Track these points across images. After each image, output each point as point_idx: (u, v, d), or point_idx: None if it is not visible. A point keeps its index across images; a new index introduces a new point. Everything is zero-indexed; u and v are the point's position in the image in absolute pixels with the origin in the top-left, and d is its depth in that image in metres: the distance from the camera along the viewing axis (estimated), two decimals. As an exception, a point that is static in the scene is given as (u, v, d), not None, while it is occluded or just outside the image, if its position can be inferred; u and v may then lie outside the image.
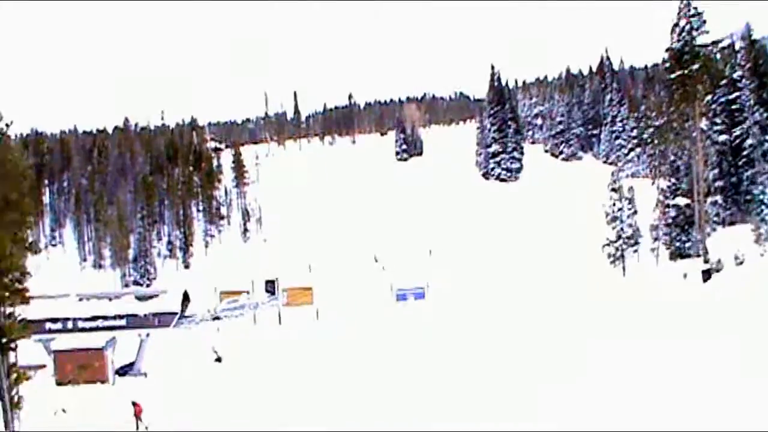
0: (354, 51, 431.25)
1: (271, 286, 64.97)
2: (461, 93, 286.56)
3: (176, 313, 52.04)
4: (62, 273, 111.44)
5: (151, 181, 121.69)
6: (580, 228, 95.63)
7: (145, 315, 51.72)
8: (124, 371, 51.52)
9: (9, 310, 29.38)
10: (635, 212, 71.36)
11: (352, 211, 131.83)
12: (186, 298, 55.22)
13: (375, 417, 30.81)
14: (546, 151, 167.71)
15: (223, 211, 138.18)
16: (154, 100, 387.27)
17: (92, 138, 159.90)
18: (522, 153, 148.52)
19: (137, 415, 36.80)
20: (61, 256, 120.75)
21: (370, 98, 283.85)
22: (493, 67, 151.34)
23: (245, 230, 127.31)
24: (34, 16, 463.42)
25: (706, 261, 51.70)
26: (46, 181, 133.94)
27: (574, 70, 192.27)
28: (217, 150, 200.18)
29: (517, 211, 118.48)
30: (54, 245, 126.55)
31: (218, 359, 53.86)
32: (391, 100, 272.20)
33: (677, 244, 67.48)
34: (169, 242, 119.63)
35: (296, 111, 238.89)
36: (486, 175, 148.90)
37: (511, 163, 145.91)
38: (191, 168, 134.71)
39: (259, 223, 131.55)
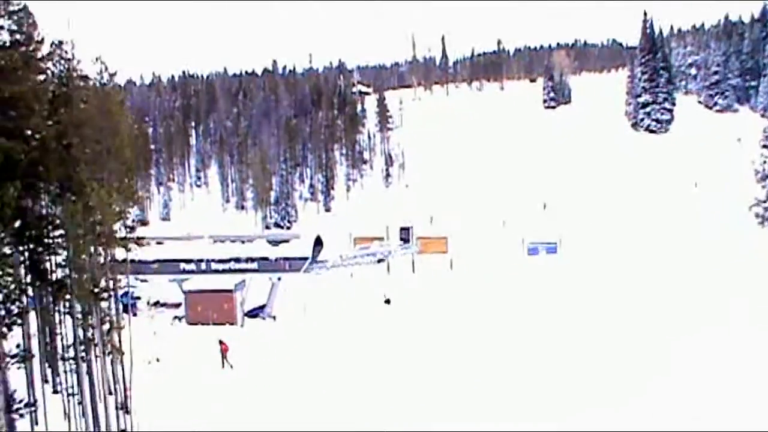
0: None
1: (405, 234, 63.55)
2: (614, 40, 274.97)
3: (307, 258, 51.26)
4: (206, 213, 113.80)
5: (294, 124, 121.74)
6: (729, 185, 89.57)
7: (276, 259, 51.55)
8: (254, 313, 51.72)
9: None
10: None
11: (495, 159, 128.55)
12: (319, 242, 54.50)
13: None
14: (699, 103, 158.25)
15: (366, 155, 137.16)
16: (303, 43, 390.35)
17: (239, 81, 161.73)
18: (673, 104, 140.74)
19: (224, 353, 38.10)
20: (205, 196, 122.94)
21: (520, 44, 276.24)
22: (645, 14, 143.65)
23: (387, 175, 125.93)
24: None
25: None
26: (193, 123, 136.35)
27: (734, 17, 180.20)
28: (363, 94, 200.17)
29: (663, 164, 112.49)
30: (199, 186, 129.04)
31: (387, 301, 54.04)
32: (541, 47, 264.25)
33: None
34: (311, 186, 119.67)
35: (444, 56, 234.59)
36: (635, 126, 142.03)
37: (662, 114, 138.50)
38: (335, 112, 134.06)
39: (402, 169, 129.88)
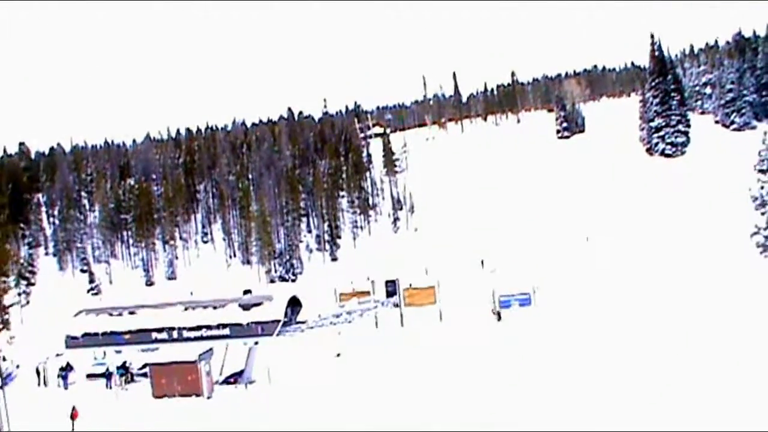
0: (514, 27, 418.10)
1: (391, 286, 61.25)
2: (632, 63, 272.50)
3: (279, 321, 49.16)
4: (211, 269, 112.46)
5: (296, 174, 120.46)
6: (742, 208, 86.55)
7: (248, 324, 49.61)
8: (233, 379, 49.74)
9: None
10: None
11: (506, 195, 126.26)
12: (296, 303, 52.55)
13: None
14: (716, 122, 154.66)
15: (375, 200, 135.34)
16: (315, 90, 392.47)
17: (244, 132, 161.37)
18: (688, 125, 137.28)
19: (73, 418, 38.95)
20: (212, 252, 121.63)
21: (536, 73, 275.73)
22: (652, 36, 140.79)
23: (395, 220, 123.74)
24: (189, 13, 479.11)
25: None
26: (198, 179, 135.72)
27: (747, 32, 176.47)
28: (381, 135, 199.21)
29: (677, 189, 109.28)
30: (206, 242, 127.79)
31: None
32: (558, 75, 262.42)
33: None
34: (318, 236, 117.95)
35: (456, 92, 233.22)
36: (650, 151, 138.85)
37: (676, 137, 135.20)
38: (341, 158, 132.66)
39: (410, 213, 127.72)
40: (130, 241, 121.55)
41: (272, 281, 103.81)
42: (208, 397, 45.58)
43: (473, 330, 54.82)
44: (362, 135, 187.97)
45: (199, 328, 50.42)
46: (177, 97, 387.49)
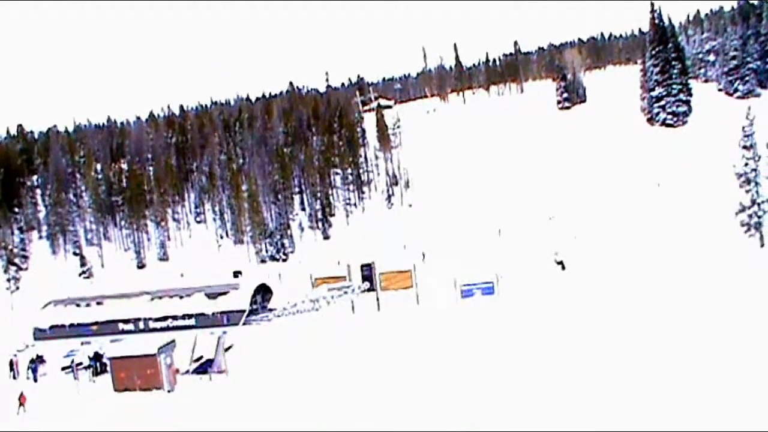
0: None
1: (367, 270, 60.09)
2: (639, 30, 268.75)
3: (244, 311, 48.11)
4: (203, 250, 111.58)
5: (288, 151, 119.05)
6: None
7: (213, 313, 48.62)
8: (203, 369, 48.82)
9: None
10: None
11: (504, 168, 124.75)
12: (266, 290, 51.48)
13: None
14: (720, 90, 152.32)
15: (370, 176, 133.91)
16: (317, 64, 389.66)
17: (239, 109, 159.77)
18: (690, 94, 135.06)
19: (22, 403, 42.34)
20: (204, 232, 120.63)
21: (541, 43, 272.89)
22: (652, 4, 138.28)
23: (389, 196, 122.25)
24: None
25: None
26: (190, 158, 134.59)
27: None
28: (384, 107, 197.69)
29: (676, 161, 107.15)
30: (199, 222, 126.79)
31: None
32: (561, 44, 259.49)
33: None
34: (311, 214, 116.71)
35: (457, 63, 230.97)
36: (651, 121, 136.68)
37: (677, 106, 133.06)
38: (335, 135, 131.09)
39: (405, 188, 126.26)
40: (122, 223, 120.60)
41: (263, 261, 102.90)
42: (169, 391, 44.52)
43: (449, 314, 53.68)
44: (365, 108, 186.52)
45: (164, 318, 49.58)
46: (179, 75, 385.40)
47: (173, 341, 47.21)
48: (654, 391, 30.57)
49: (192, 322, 49.06)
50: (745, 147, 58.51)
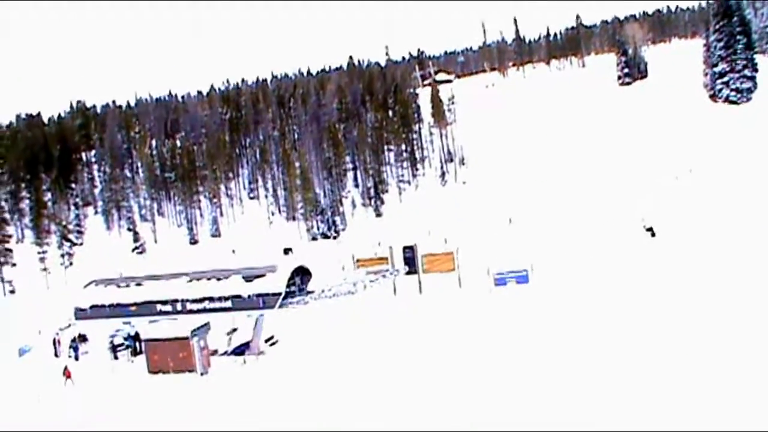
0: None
1: (409, 252, 58.92)
2: (707, 1, 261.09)
3: (280, 294, 47.43)
4: (255, 226, 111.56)
5: (341, 127, 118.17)
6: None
7: (249, 296, 48.15)
8: (240, 350, 48.49)
9: None
10: None
11: (560, 146, 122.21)
12: (304, 272, 50.77)
13: None
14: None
15: (424, 153, 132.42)
16: (376, 38, 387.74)
17: (293, 84, 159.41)
18: (755, 70, 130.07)
19: (68, 376, 44.16)
20: (257, 209, 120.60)
21: (605, 16, 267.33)
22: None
23: (443, 174, 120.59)
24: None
25: None
26: (243, 134, 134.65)
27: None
28: (444, 82, 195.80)
29: (738, 139, 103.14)
30: (252, 198, 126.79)
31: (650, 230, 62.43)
32: (626, 18, 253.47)
33: None
34: (364, 191, 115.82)
35: (517, 37, 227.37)
36: (713, 97, 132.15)
37: (741, 82, 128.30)
38: (388, 110, 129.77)
39: (460, 165, 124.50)
40: (176, 199, 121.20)
41: (314, 238, 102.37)
42: (202, 374, 44.11)
43: (490, 299, 52.32)
44: (425, 82, 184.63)
45: (201, 300, 49.42)
46: (243, 48, 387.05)
47: (207, 324, 46.88)
48: (680, 391, 29.08)
49: (228, 304, 48.87)
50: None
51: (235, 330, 49.44)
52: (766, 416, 25.75)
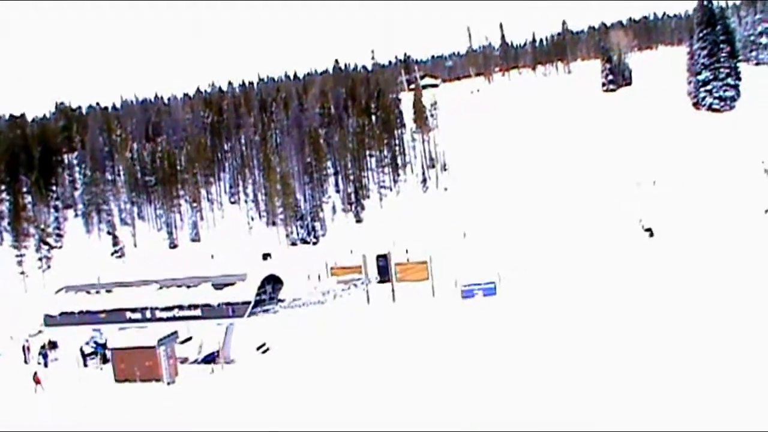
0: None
1: (383, 261, 58.89)
2: (694, 9, 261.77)
3: (249, 302, 47.30)
4: (235, 231, 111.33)
5: (323, 133, 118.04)
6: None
7: (219, 305, 47.89)
8: (211, 358, 48.27)
9: None
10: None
11: (543, 153, 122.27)
12: (275, 280, 50.62)
13: None
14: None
15: (406, 158, 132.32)
16: (362, 42, 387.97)
17: (276, 88, 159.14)
18: (738, 78, 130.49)
19: (38, 382, 43.75)
20: (237, 213, 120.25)
21: (592, 22, 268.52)
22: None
23: (424, 180, 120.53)
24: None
25: None
26: (225, 138, 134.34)
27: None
28: (430, 86, 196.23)
29: (719, 147, 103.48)
30: (233, 202, 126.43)
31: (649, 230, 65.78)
32: (611, 24, 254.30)
33: None
34: (344, 196, 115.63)
35: (503, 42, 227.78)
36: (696, 105, 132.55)
37: (724, 90, 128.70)
38: (371, 116, 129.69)
39: (442, 171, 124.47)
40: (156, 203, 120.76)
41: (293, 244, 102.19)
42: (169, 383, 43.87)
43: (462, 309, 52.32)
44: (411, 87, 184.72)
45: (171, 308, 49.22)
46: (231, 51, 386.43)
47: (175, 333, 46.79)
48: (653, 396, 29.15)
49: (198, 312, 48.62)
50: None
51: (189, 339, 49.53)
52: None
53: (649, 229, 69.61)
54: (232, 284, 49.32)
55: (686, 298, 44.55)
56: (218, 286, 49.24)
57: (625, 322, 41.64)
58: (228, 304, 47.82)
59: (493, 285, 55.47)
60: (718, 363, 32.23)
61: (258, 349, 48.78)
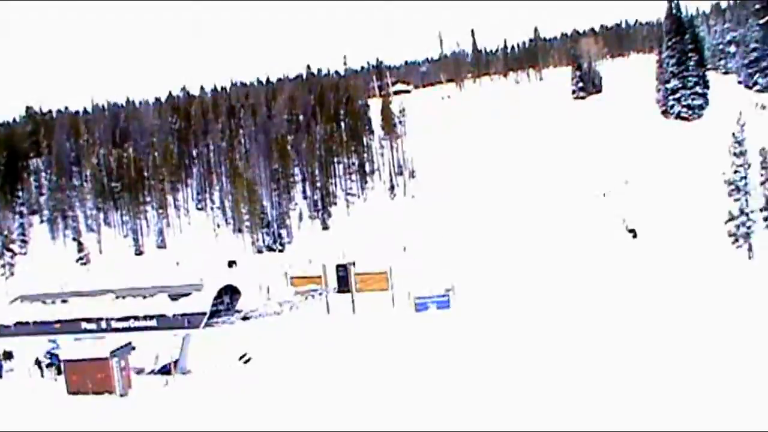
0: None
1: (342, 271, 58.87)
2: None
3: (205, 313, 47.13)
4: (202, 238, 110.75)
5: (284, 142, 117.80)
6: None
7: (174, 315, 47.71)
8: (167, 369, 47.86)
9: None
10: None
11: (512, 160, 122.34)
12: (233, 291, 50.59)
13: None
14: (739, 83, 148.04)
15: (375, 165, 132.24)
16: (333, 47, 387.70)
17: (245, 93, 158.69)
18: (706, 87, 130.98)
19: None
20: (204, 220, 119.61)
21: (564, 29, 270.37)
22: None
23: (392, 187, 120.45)
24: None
25: None
26: (193, 144, 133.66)
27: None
28: (402, 92, 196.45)
29: (687, 156, 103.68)
30: (200, 209, 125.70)
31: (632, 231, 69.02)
32: (583, 31, 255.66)
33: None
34: (313, 203, 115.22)
35: (474, 49, 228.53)
36: (666, 113, 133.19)
37: (693, 99, 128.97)
38: (340, 122, 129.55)
39: (410, 178, 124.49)
40: (122, 209, 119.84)
41: (259, 251, 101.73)
42: (122, 395, 43.48)
43: (417, 321, 52.21)
44: (383, 93, 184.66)
45: (126, 318, 49.02)
46: (204, 55, 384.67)
47: (129, 344, 46.26)
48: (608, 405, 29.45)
49: (153, 323, 48.47)
50: (735, 154, 56.16)
51: (129, 346, 48.31)
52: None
53: (632, 230, 71.96)
54: (188, 294, 49.27)
55: (654, 303, 45.11)
56: (174, 297, 49.21)
57: (587, 330, 41.98)
58: (183, 315, 47.84)
59: (446, 297, 55.02)
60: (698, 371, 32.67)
61: (240, 359, 48.17)
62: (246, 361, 47.42)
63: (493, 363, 38.36)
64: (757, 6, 39.04)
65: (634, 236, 71.15)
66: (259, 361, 46.24)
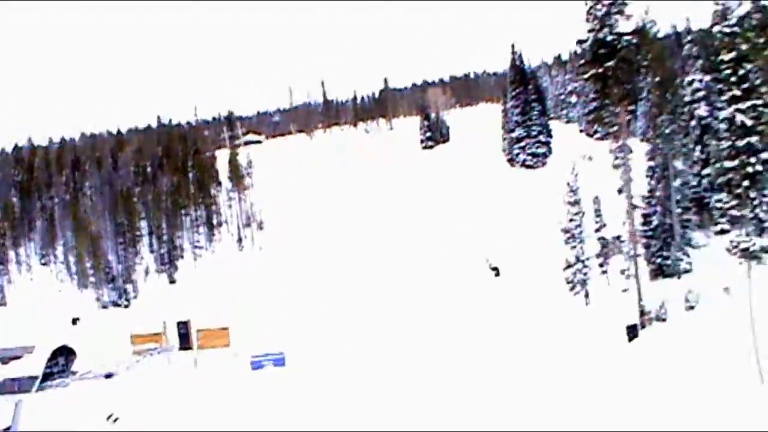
0: (386, 36, 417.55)
1: (183, 328, 58.87)
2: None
3: (36, 377, 46.20)
4: (45, 294, 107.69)
5: (129, 195, 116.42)
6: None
7: (3, 380, 46.46)
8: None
9: None
10: (604, 226, 62.30)
11: (359, 210, 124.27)
12: (69, 352, 49.80)
13: None
14: (581, 131, 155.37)
15: (222, 217, 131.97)
16: (185, 97, 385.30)
17: (92, 145, 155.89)
18: (549, 136, 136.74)
19: None
20: (48, 276, 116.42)
21: (414, 79, 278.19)
22: (513, 47, 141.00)
23: (240, 239, 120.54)
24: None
25: (641, 311, 42.65)
26: (37, 197, 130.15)
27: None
28: (254, 143, 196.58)
29: (530, 203, 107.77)
30: (43, 264, 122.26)
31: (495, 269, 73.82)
32: (433, 82, 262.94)
33: (658, 260, 56.04)
34: (160, 257, 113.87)
35: (324, 99, 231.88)
36: (511, 162, 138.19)
37: (537, 147, 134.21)
38: (187, 174, 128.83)
39: (258, 230, 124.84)
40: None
41: (104, 307, 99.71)
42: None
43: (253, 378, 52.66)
44: (236, 143, 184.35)
45: (-48, 385, 47.38)
46: (47, 107, 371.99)
47: (-43, 412, 44.94)
48: None
49: (-21, 388, 47.04)
50: (569, 203, 58.78)
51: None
52: None
53: (495, 268, 75.94)
54: (19, 357, 48.31)
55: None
56: (4, 360, 48.09)
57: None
58: (13, 379, 46.66)
59: (282, 356, 54.99)
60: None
61: (108, 418, 47.29)
62: (114, 420, 46.83)
63: (321, 419, 39.49)
64: (582, 61, 41.13)
65: (497, 274, 75.03)
66: (93, 423, 45.71)
